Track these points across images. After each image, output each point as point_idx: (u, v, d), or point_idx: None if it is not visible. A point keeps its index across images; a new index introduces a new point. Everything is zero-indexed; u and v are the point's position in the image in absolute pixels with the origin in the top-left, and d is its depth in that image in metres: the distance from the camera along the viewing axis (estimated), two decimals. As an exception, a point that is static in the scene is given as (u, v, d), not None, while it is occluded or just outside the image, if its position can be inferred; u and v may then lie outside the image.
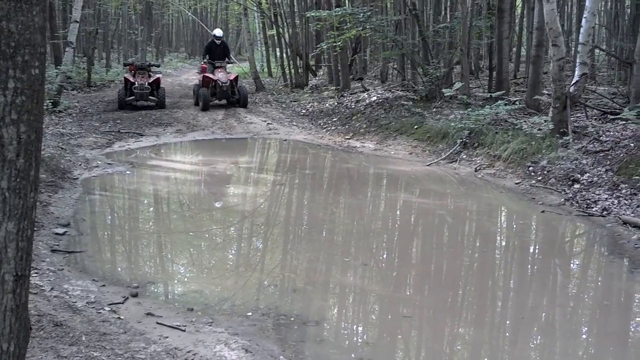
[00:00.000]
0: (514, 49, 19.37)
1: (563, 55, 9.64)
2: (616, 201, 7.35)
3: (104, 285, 5.01)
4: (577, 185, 8.00)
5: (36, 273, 4.94)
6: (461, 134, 10.58)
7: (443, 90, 12.92)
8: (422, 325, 4.83)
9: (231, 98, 15.27)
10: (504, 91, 12.34)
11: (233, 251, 6.58)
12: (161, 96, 15.05)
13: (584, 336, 4.76)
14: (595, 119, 10.60)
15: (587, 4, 9.99)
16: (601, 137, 9.11)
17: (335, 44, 14.98)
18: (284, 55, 21.48)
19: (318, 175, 10.40)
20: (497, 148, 9.73)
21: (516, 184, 8.71)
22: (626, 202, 7.27)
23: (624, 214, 6.99)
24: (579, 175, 8.15)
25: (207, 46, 15.99)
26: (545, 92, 12.59)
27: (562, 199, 7.78)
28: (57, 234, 6.19)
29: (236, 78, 15.69)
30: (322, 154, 11.85)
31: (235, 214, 7.95)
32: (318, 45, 17.67)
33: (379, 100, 14.09)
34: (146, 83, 14.70)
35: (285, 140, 12.77)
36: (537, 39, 11.72)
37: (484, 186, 9.00)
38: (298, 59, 20.07)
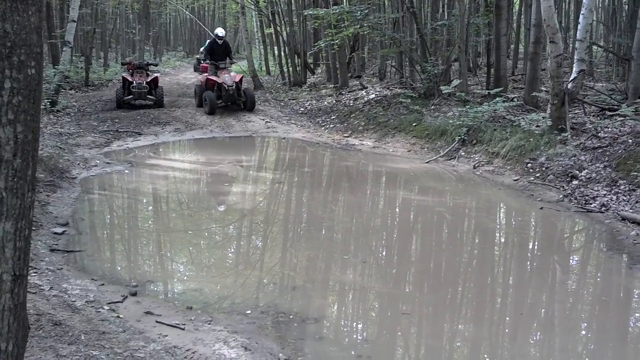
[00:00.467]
0: (512, 46, 19.38)
1: (561, 52, 9.64)
2: (615, 197, 7.36)
3: (103, 284, 5.01)
4: (575, 182, 8.01)
5: (35, 272, 4.95)
6: (459, 131, 10.58)
7: (441, 87, 12.94)
8: (422, 322, 4.83)
9: (237, 101, 14.37)
10: (502, 88, 12.34)
11: (232, 249, 6.58)
12: (159, 95, 14.99)
13: (583, 332, 4.77)
14: (594, 116, 10.60)
15: (584, 0, 9.98)
16: (599, 134, 9.11)
17: (333, 42, 14.97)
18: (282, 54, 21.45)
19: (317, 173, 10.40)
20: (496, 145, 9.73)
21: (515, 180, 8.71)
22: (625, 198, 7.28)
23: (622, 210, 7.00)
24: (577, 172, 8.16)
25: (209, 46, 15.15)
26: (543, 88, 12.58)
27: (561, 196, 7.79)
28: (55, 233, 6.20)
29: (241, 79, 14.66)
30: (320, 152, 11.85)
31: (234, 212, 7.95)
32: (316, 43, 17.64)
33: (377, 98, 14.09)
34: (144, 82, 14.66)
35: (284, 138, 12.77)
36: (535, 35, 11.72)
37: (483, 183, 9.01)
38: (296, 57, 20.05)
